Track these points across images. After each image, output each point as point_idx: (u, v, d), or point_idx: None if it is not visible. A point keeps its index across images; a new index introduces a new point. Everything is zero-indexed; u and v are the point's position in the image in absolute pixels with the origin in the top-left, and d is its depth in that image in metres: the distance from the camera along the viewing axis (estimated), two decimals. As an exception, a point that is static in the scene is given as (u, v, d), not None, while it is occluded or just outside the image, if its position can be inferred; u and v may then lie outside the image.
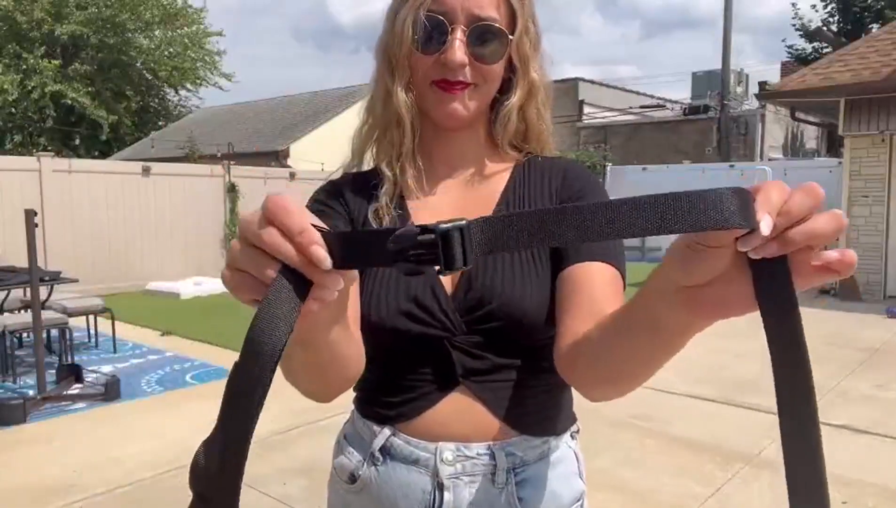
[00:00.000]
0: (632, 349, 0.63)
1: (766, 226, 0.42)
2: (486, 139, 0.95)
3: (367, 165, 0.97)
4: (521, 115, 0.92)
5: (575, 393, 0.89)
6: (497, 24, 0.85)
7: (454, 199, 0.92)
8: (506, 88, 0.91)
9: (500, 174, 0.94)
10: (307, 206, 0.78)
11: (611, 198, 0.53)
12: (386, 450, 0.88)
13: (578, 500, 0.92)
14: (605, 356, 0.69)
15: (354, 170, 0.97)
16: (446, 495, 0.84)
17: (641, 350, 0.62)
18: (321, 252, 0.45)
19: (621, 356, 0.65)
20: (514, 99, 0.90)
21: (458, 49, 0.83)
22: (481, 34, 0.84)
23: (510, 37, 0.86)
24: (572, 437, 0.95)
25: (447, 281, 0.86)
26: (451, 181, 0.94)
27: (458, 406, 0.85)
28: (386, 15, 0.90)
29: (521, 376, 0.86)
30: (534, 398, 0.87)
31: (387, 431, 0.88)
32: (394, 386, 0.88)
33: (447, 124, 0.89)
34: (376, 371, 0.88)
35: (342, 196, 0.94)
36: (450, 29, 0.83)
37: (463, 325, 0.84)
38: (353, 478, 0.90)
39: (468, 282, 0.85)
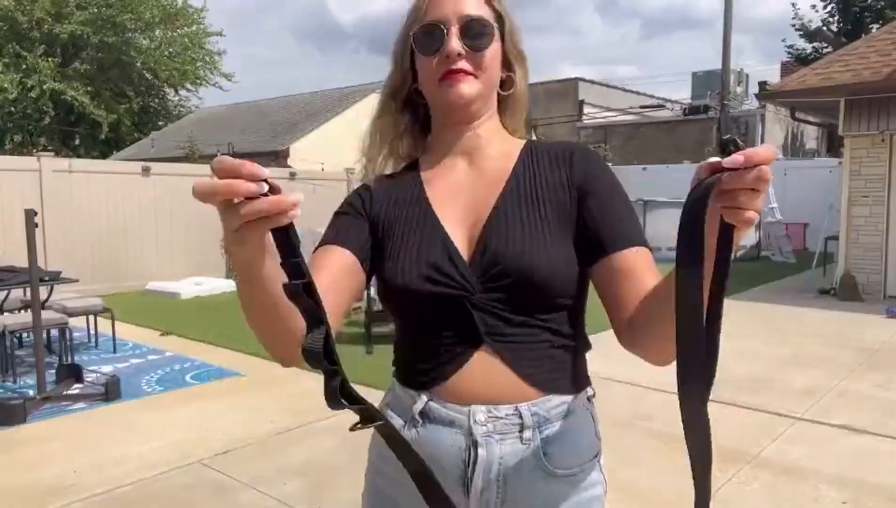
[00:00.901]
0: (661, 322, 0.79)
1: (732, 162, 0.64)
2: (496, 130, 1.09)
3: (387, 168, 1.11)
4: (522, 101, 1.10)
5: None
6: (485, 20, 1.01)
7: (470, 181, 1.05)
8: (506, 86, 1.07)
9: (507, 158, 1.06)
10: (337, 210, 1.10)
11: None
12: (425, 414, 0.98)
13: (596, 456, 1.02)
14: (658, 319, 0.83)
15: (372, 175, 1.10)
16: (480, 451, 0.95)
17: (664, 320, 0.76)
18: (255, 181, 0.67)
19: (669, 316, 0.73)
20: (524, 87, 1.08)
21: (454, 41, 0.99)
22: (472, 28, 1.00)
23: (495, 27, 1.02)
24: (589, 401, 1.05)
25: (464, 247, 0.99)
26: (468, 168, 1.06)
27: (484, 366, 0.96)
28: (394, 49, 1.08)
29: (538, 334, 0.97)
30: (552, 359, 0.98)
31: (424, 397, 0.99)
32: (425, 352, 0.99)
33: (456, 108, 1.02)
34: (408, 341, 1.03)
35: (369, 196, 1.08)
36: (445, 30, 0.99)
37: (479, 285, 0.95)
38: None
39: (483, 245, 0.97)
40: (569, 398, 0.99)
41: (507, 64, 1.06)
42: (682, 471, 2.95)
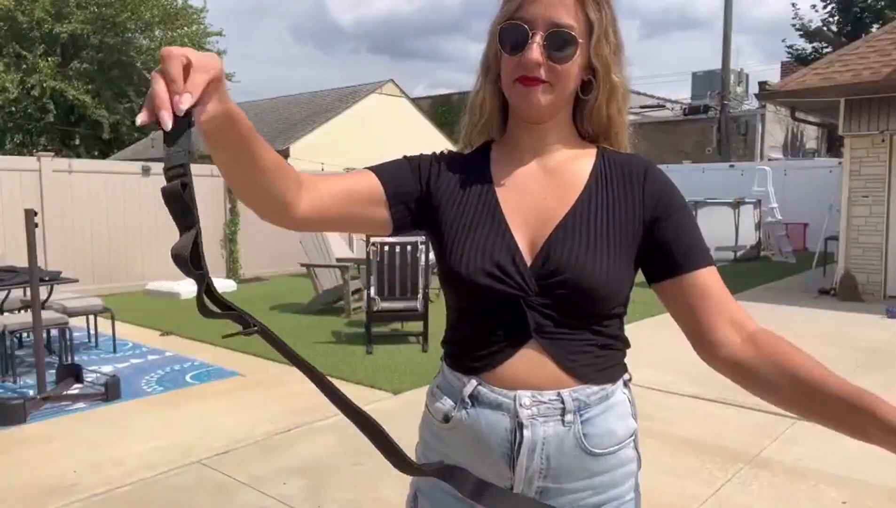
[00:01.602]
0: (799, 407, 0.96)
1: None
2: (568, 133, 1.11)
3: (477, 142, 1.15)
4: (605, 112, 1.08)
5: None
6: (572, 32, 1.00)
7: (538, 185, 1.08)
8: (588, 89, 1.07)
9: (580, 165, 1.09)
10: (407, 155, 1.14)
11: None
12: (474, 397, 1.05)
13: (631, 436, 1.09)
14: (770, 392, 0.97)
15: (468, 149, 1.15)
16: (525, 432, 1.01)
17: (805, 411, 0.95)
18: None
19: (785, 401, 0.96)
20: (600, 97, 1.07)
21: (535, 50, 0.99)
22: (557, 39, 1.00)
23: (580, 41, 1.01)
24: (625, 385, 1.11)
25: (526, 250, 1.03)
26: (536, 169, 1.09)
27: (530, 359, 1.02)
28: (489, 30, 1.09)
29: (584, 335, 1.03)
30: (593, 354, 1.04)
31: (474, 381, 1.05)
32: (476, 340, 1.05)
33: (527, 115, 1.05)
34: (462, 327, 1.08)
35: (438, 168, 1.12)
36: (530, 34, 1.00)
37: (537, 287, 1.01)
38: (446, 419, 1.07)
39: (546, 253, 1.02)
40: (607, 386, 1.06)
41: (591, 68, 1.06)
42: (682, 471, 2.95)
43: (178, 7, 22.24)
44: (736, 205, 13.00)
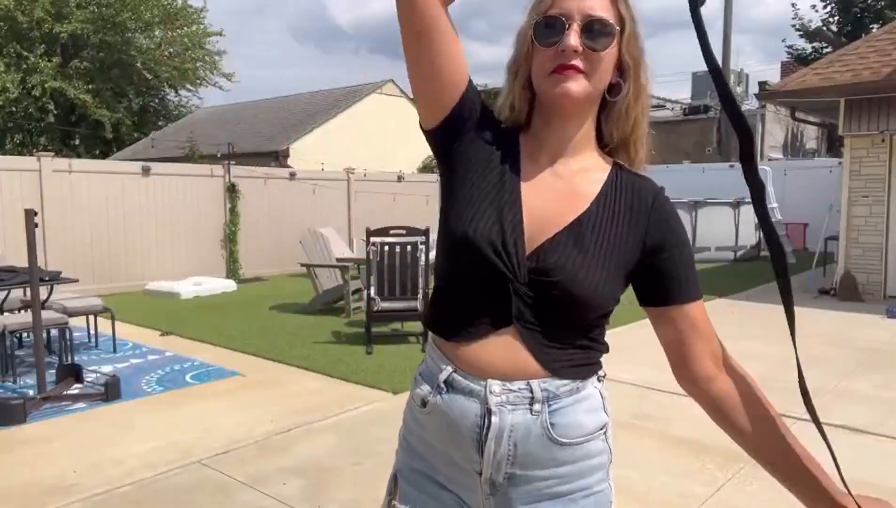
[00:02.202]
0: (761, 459, 1.09)
1: None
2: (589, 138, 1.12)
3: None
4: (633, 113, 1.10)
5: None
6: (609, 21, 1.03)
7: (550, 187, 1.10)
8: (615, 91, 1.09)
9: (593, 178, 1.11)
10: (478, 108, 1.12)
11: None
12: (448, 383, 1.09)
13: (601, 429, 1.11)
14: (737, 437, 1.09)
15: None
16: (493, 418, 1.05)
17: (767, 465, 1.08)
18: None
19: (749, 448, 1.09)
20: (630, 97, 1.08)
21: (572, 37, 1.01)
22: (593, 28, 1.02)
23: (617, 29, 1.04)
24: (599, 380, 1.14)
25: (530, 239, 1.05)
26: (551, 172, 1.11)
27: (506, 345, 1.05)
28: (515, 38, 1.11)
29: (563, 333, 1.06)
30: (569, 352, 1.07)
31: (449, 368, 1.09)
32: (460, 317, 1.08)
33: (561, 103, 1.05)
34: (447, 302, 1.11)
35: (484, 119, 1.12)
36: (567, 24, 1.02)
37: (527, 278, 1.03)
38: (424, 403, 1.12)
39: (543, 253, 1.04)
40: (578, 381, 1.09)
41: (619, 69, 1.08)
42: (682, 471, 2.94)
43: (178, 7, 22.24)
44: (736, 205, 13.00)
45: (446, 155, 1.12)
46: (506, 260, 1.04)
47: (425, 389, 1.12)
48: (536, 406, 1.05)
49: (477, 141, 1.11)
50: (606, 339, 1.15)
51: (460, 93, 1.08)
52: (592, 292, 1.03)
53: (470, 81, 1.09)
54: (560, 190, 1.09)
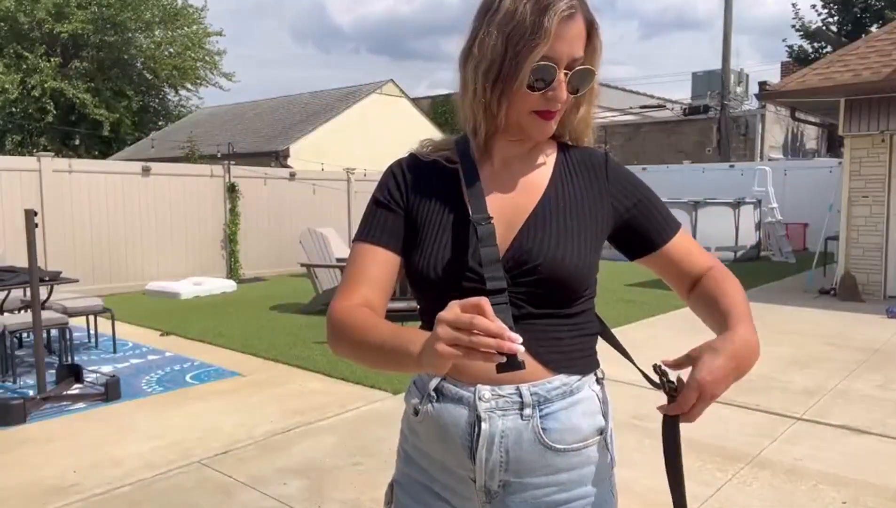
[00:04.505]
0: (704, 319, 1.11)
1: (671, 412, 1.02)
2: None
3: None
4: (588, 116, 1.13)
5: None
6: (592, 68, 1.05)
7: (506, 183, 1.11)
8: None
9: (543, 160, 1.13)
10: (377, 195, 1.14)
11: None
12: (438, 391, 1.08)
13: (600, 434, 1.10)
14: (698, 312, 1.12)
15: (428, 150, 1.16)
16: (483, 425, 1.04)
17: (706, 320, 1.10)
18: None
19: (701, 317, 1.12)
20: (592, 110, 1.12)
21: (563, 90, 1.02)
22: (580, 77, 1.04)
23: (595, 71, 1.06)
24: (597, 382, 1.13)
25: (501, 241, 1.05)
26: (503, 168, 1.12)
27: None
28: (482, 31, 1.03)
29: (554, 321, 1.06)
30: (564, 342, 1.07)
31: (438, 377, 1.08)
32: None
33: (536, 139, 1.09)
34: (428, 319, 1.08)
35: (406, 186, 1.14)
36: (556, 72, 1.01)
37: (509, 281, 1.03)
38: (416, 412, 1.12)
39: (518, 244, 1.05)
40: (574, 379, 1.08)
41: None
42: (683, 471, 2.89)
43: (178, 7, 22.24)
44: (736, 205, 13.00)
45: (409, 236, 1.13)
46: (478, 278, 1.04)
47: (417, 397, 1.12)
48: (527, 411, 1.04)
49: (412, 200, 1.12)
50: (602, 343, 1.16)
51: (399, 258, 1.12)
52: (575, 265, 1.04)
53: (385, 226, 1.12)
54: (516, 183, 1.11)
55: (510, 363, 0.80)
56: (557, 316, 1.07)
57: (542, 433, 1.04)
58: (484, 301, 0.80)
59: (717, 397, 0.91)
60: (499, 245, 1.05)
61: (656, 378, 1.01)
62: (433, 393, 1.09)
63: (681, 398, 0.94)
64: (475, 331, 0.79)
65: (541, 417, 1.04)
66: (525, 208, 1.08)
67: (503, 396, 1.04)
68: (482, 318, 0.79)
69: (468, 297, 1.02)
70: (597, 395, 1.11)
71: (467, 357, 0.80)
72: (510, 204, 1.09)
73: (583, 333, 1.11)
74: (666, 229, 1.13)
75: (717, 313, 1.03)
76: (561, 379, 1.07)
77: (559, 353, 1.07)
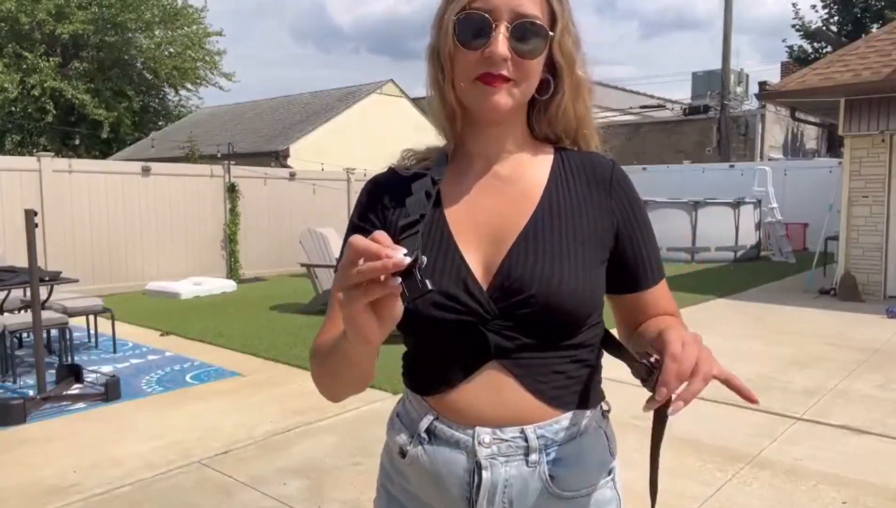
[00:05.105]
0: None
1: (659, 397, 0.80)
2: (523, 135, 1.01)
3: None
4: (573, 111, 0.99)
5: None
6: (539, 21, 0.90)
7: (493, 196, 0.98)
8: (544, 88, 0.96)
9: (537, 169, 1.00)
10: (353, 219, 1.02)
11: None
12: (431, 432, 0.96)
13: (609, 475, 1.01)
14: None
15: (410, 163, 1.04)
16: (484, 474, 0.92)
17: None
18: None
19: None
20: (566, 97, 0.96)
21: (501, 43, 0.88)
22: (523, 31, 0.89)
23: (551, 33, 0.92)
24: (603, 416, 1.03)
25: (483, 271, 0.93)
26: (489, 179, 0.99)
27: (491, 381, 0.92)
28: (433, 21, 0.96)
29: (552, 354, 0.94)
30: (566, 375, 0.95)
31: (430, 416, 0.96)
32: (433, 366, 0.96)
33: (489, 117, 0.93)
34: (418, 353, 0.99)
35: (381, 204, 1.01)
36: (493, 25, 0.88)
37: (497, 310, 0.91)
38: (403, 453, 0.99)
39: (507, 271, 0.91)
40: (580, 416, 0.97)
41: (550, 66, 0.95)
42: (682, 471, 2.94)
43: (178, 7, 22.25)
44: (736, 205, 13.00)
45: None
46: (461, 309, 0.91)
47: (404, 437, 0.99)
48: (533, 457, 0.93)
49: (388, 221, 0.98)
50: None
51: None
52: (573, 289, 0.91)
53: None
54: (505, 196, 0.97)
55: (411, 287, 0.68)
56: (560, 348, 0.94)
57: (549, 480, 0.93)
58: (380, 235, 0.69)
59: (710, 362, 0.81)
60: (483, 272, 0.93)
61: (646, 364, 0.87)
62: (425, 434, 0.96)
63: (665, 376, 0.79)
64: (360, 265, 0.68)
65: (548, 462, 0.93)
66: (515, 223, 0.94)
67: (506, 440, 0.92)
68: (361, 243, 0.68)
69: (453, 328, 0.91)
70: (605, 433, 1.01)
71: (366, 295, 0.68)
72: (497, 218, 0.95)
73: (589, 363, 0.99)
74: (656, 271, 1.02)
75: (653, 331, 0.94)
76: (568, 418, 0.95)
77: (564, 389, 0.95)
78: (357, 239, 0.69)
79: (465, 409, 0.93)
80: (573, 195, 0.98)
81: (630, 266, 0.99)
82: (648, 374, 0.84)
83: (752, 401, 0.84)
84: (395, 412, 1.04)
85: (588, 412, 0.98)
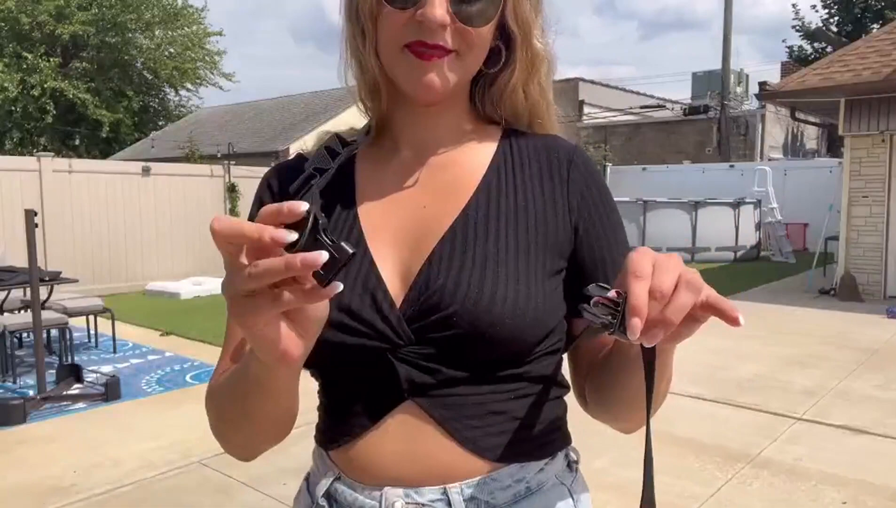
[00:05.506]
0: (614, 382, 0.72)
1: (633, 333, 0.52)
2: (464, 115, 0.80)
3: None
4: (522, 91, 0.78)
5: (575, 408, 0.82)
6: None
7: (418, 189, 0.77)
8: (493, 58, 0.75)
9: (477, 154, 0.79)
10: (253, 210, 0.78)
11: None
12: (331, 496, 0.76)
13: None
14: (607, 408, 0.76)
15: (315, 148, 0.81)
16: None
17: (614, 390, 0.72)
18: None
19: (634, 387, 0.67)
20: (516, 74, 0.76)
21: (438, 5, 0.67)
22: None
23: None
24: (569, 468, 0.79)
25: (397, 283, 0.71)
26: (416, 168, 0.78)
27: (403, 431, 0.71)
28: None
29: (488, 389, 0.71)
30: (502, 415, 0.72)
31: (331, 475, 0.76)
32: (337, 408, 0.76)
33: (421, 98, 0.72)
34: (323, 393, 0.79)
35: (283, 195, 0.79)
36: None
37: (411, 334, 0.69)
38: None
39: (425, 282, 0.70)
40: (528, 469, 0.73)
41: (502, 32, 0.74)
42: (682, 471, 2.95)
43: (178, 7, 22.26)
44: (736, 205, 13.01)
45: None
46: (368, 332, 0.69)
47: (304, 503, 0.80)
48: None
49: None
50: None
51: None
52: (509, 315, 0.68)
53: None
54: (432, 188, 0.76)
55: (329, 264, 0.48)
56: (498, 380, 0.71)
57: None
58: (263, 211, 0.51)
59: (696, 276, 0.60)
60: (399, 283, 0.71)
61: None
62: (323, 501, 0.76)
63: (634, 300, 0.53)
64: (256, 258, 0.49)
65: None
66: (441, 226, 0.73)
67: (423, 504, 0.70)
68: (226, 226, 0.49)
69: (356, 358, 0.70)
70: (568, 490, 0.76)
71: (275, 305, 0.51)
72: (420, 221, 0.74)
73: (542, 399, 0.74)
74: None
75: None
76: (511, 472, 0.72)
77: (503, 434, 0.72)
78: (220, 226, 0.49)
79: (372, 465, 0.72)
80: (519, 187, 0.76)
81: (588, 279, 0.73)
82: (613, 314, 0.55)
83: (735, 323, 0.61)
84: (304, 478, 0.85)
85: (542, 464, 0.74)
